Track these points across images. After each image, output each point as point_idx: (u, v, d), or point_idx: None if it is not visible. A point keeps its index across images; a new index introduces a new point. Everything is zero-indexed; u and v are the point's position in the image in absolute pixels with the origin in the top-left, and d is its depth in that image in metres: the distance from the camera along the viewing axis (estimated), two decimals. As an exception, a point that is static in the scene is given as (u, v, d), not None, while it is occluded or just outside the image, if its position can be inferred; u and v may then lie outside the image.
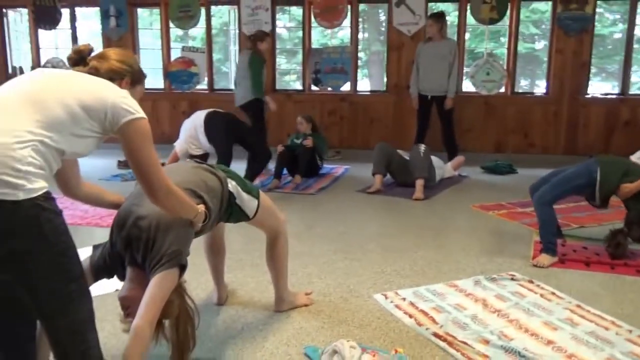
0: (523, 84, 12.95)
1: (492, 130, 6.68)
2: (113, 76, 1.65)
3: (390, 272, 3.04)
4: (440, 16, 5.87)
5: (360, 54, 14.38)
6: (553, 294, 2.73)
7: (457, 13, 6.86)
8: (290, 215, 4.17)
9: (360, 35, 15.32)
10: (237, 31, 7.37)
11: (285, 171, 5.36)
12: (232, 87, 6.38)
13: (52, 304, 1.37)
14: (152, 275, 1.72)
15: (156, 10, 7.43)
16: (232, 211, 2.14)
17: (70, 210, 4.31)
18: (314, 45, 7.30)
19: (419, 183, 4.91)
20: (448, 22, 5.96)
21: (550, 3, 6.57)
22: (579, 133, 6.48)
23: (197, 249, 2.54)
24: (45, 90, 1.41)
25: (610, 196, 3.24)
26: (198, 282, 2.80)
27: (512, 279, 2.90)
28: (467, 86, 6.85)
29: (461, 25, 6.73)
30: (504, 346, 2.16)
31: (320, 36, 9.94)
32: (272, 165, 5.39)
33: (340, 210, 4.41)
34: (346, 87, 6.98)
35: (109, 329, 2.26)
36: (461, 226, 3.98)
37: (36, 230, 1.31)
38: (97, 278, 1.86)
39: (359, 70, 7.37)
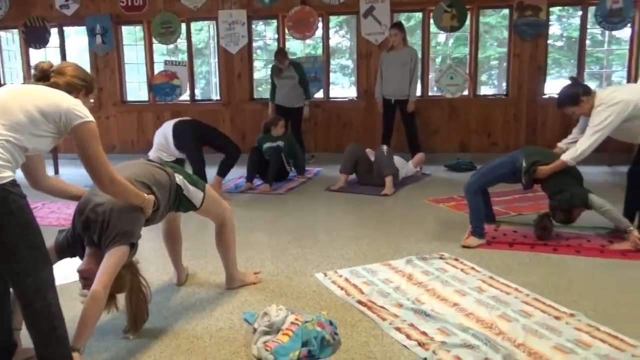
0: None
1: (457, 131, 7.09)
2: (70, 89, 2.05)
3: (336, 256, 3.43)
4: (402, 25, 6.31)
5: (348, 62, 14.83)
6: (473, 268, 3.12)
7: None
8: (259, 213, 4.62)
9: (348, 43, 15.82)
10: (216, 45, 7.80)
11: (257, 176, 5.77)
12: (214, 97, 6.84)
13: (19, 265, 1.76)
14: (106, 250, 2.12)
15: (140, 27, 7.85)
16: (180, 201, 2.53)
17: (57, 213, 4.72)
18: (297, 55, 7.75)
19: (389, 180, 5.31)
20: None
21: (506, 11, 7.00)
22: (537, 132, 6.88)
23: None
24: (10, 100, 1.81)
25: (534, 179, 3.61)
26: (164, 267, 3.19)
27: (441, 258, 3.29)
28: (434, 90, 7.26)
29: (425, 33, 7.16)
30: (413, 308, 2.56)
31: (303, 46, 10.34)
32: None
33: (305, 207, 4.81)
34: (320, 94, 7.39)
35: (79, 308, 2.64)
36: (410, 217, 4.37)
37: (5, 208, 1.70)
38: (60, 257, 2.25)
39: (347, 78, 7.78)
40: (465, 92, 7.07)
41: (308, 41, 7.79)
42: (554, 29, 15.57)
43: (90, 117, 1.94)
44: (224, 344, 2.30)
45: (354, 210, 4.68)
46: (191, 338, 2.36)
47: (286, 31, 7.33)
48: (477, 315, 2.49)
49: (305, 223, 4.24)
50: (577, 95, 3.43)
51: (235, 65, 7.48)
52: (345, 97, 7.84)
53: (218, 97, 8.03)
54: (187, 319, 2.55)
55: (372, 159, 5.67)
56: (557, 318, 2.43)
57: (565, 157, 3.43)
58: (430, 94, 7.31)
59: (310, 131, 7.34)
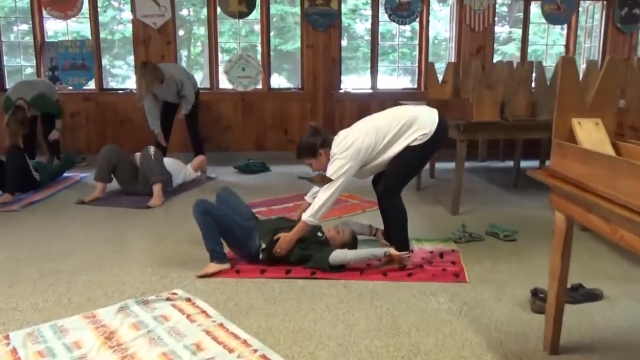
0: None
1: (252, 127, 6.47)
2: None
3: (26, 307, 2.51)
4: None
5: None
6: (203, 312, 2.43)
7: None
8: None
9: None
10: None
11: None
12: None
13: None
14: None
15: None
16: None
17: None
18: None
19: (157, 188, 4.46)
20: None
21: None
22: (335, 127, 6.49)
23: None
24: None
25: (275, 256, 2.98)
26: None
27: (168, 299, 2.55)
28: (224, 83, 6.53)
29: (211, 18, 6.41)
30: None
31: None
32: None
33: (34, 228, 3.76)
34: (91, 85, 6.28)
35: None
36: (165, 236, 3.58)
37: None
38: None
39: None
40: (260, 86, 6.47)
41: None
42: (361, 25, 15.96)
43: None
44: None
45: (103, 230, 3.74)
46: None
47: (43, 10, 6.06)
48: (173, 396, 1.79)
49: (13, 253, 3.22)
50: (315, 146, 2.95)
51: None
52: (123, 89, 6.77)
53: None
54: None
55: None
56: (277, 389, 1.83)
57: (305, 216, 2.89)
58: (221, 86, 6.58)
59: (80, 129, 6.21)
